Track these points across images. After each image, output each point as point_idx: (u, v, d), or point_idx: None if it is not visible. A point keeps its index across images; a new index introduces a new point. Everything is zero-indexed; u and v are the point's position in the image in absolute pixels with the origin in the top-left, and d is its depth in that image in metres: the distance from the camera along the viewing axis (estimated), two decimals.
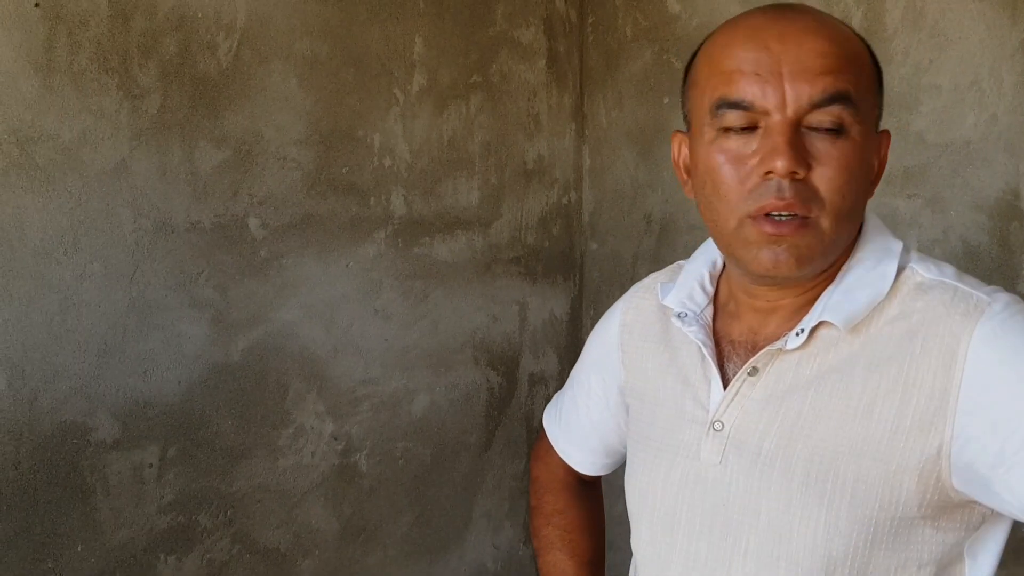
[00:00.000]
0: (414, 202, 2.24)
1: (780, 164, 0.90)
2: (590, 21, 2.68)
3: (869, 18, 2.18)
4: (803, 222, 0.92)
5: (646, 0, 2.56)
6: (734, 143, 0.95)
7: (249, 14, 1.90)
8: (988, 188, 2.03)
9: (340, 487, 2.14)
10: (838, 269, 1.01)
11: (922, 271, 0.98)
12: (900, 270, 0.99)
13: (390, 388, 2.23)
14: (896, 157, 2.15)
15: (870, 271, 0.99)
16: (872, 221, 1.03)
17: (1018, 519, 0.92)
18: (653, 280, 1.23)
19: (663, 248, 2.57)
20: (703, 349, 1.06)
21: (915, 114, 2.12)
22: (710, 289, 1.12)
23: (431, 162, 2.28)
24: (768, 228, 0.93)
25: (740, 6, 2.38)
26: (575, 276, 2.74)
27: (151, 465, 1.82)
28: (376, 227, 2.17)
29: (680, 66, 2.51)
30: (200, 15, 1.84)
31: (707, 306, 1.10)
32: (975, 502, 0.94)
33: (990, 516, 0.97)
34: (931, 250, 2.11)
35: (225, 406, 1.92)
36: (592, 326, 2.69)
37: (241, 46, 1.90)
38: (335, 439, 2.11)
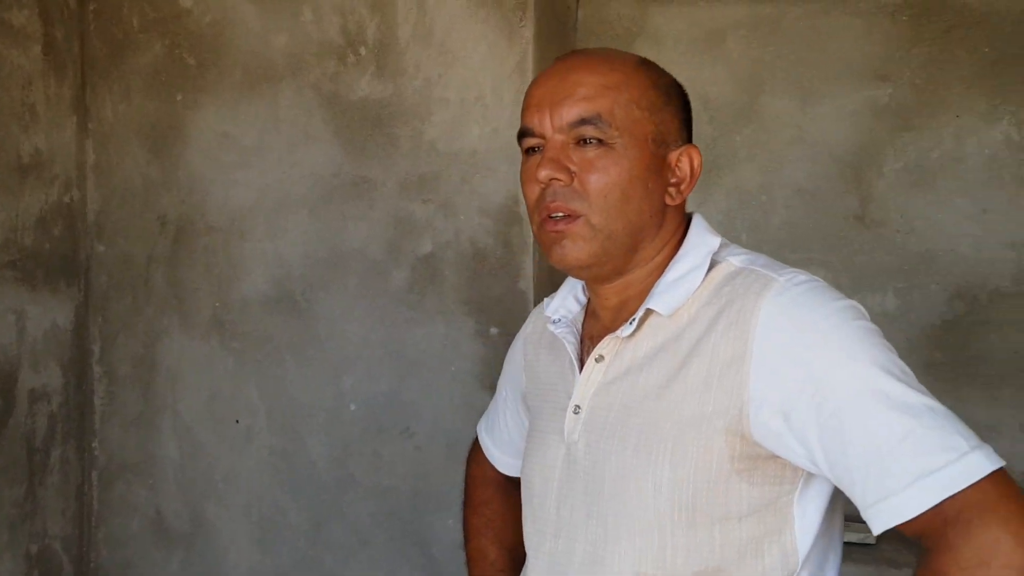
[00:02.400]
0: None
1: (542, 174, 1.12)
2: (91, 8, 2.49)
3: (382, 31, 2.28)
4: (573, 219, 1.12)
5: None
6: (530, 162, 1.17)
7: None
8: (493, 195, 2.23)
9: None
10: (666, 266, 1.18)
11: (735, 262, 1.15)
12: (717, 263, 1.15)
13: None
14: (411, 164, 2.28)
15: (689, 265, 1.15)
16: (697, 224, 1.21)
17: (811, 471, 1.06)
18: (550, 297, 1.37)
19: (180, 250, 2.48)
20: (567, 346, 1.23)
21: (428, 124, 2.26)
22: (583, 298, 1.29)
23: None
24: (549, 226, 1.13)
25: (251, 5, 2.37)
26: (80, 282, 2.53)
27: None
28: None
29: (194, 62, 2.43)
30: None
31: (580, 311, 1.28)
32: (781, 457, 1.07)
33: (807, 474, 1.09)
34: (443, 251, 2.28)
35: None
36: (100, 335, 2.54)
37: None
38: None
